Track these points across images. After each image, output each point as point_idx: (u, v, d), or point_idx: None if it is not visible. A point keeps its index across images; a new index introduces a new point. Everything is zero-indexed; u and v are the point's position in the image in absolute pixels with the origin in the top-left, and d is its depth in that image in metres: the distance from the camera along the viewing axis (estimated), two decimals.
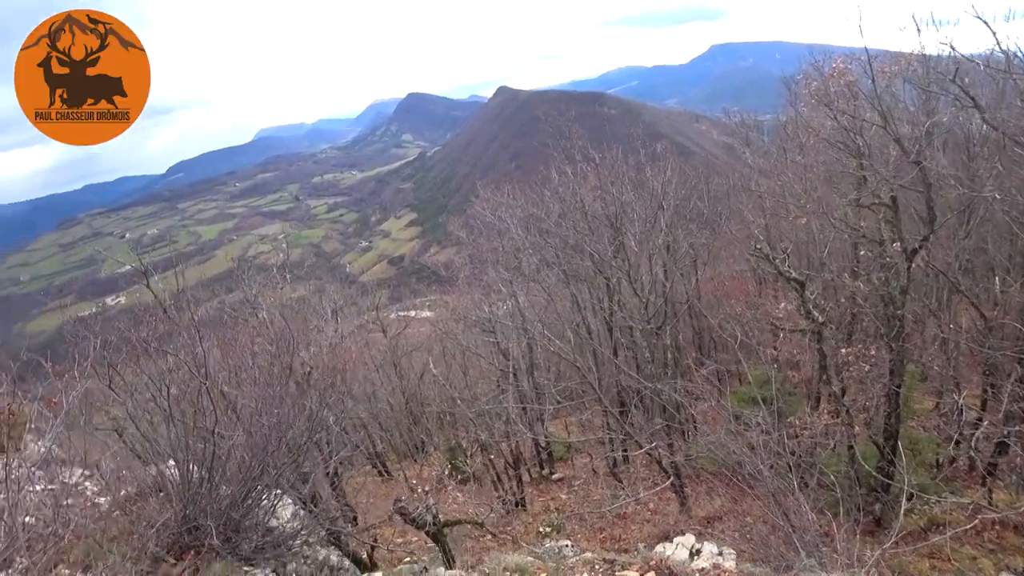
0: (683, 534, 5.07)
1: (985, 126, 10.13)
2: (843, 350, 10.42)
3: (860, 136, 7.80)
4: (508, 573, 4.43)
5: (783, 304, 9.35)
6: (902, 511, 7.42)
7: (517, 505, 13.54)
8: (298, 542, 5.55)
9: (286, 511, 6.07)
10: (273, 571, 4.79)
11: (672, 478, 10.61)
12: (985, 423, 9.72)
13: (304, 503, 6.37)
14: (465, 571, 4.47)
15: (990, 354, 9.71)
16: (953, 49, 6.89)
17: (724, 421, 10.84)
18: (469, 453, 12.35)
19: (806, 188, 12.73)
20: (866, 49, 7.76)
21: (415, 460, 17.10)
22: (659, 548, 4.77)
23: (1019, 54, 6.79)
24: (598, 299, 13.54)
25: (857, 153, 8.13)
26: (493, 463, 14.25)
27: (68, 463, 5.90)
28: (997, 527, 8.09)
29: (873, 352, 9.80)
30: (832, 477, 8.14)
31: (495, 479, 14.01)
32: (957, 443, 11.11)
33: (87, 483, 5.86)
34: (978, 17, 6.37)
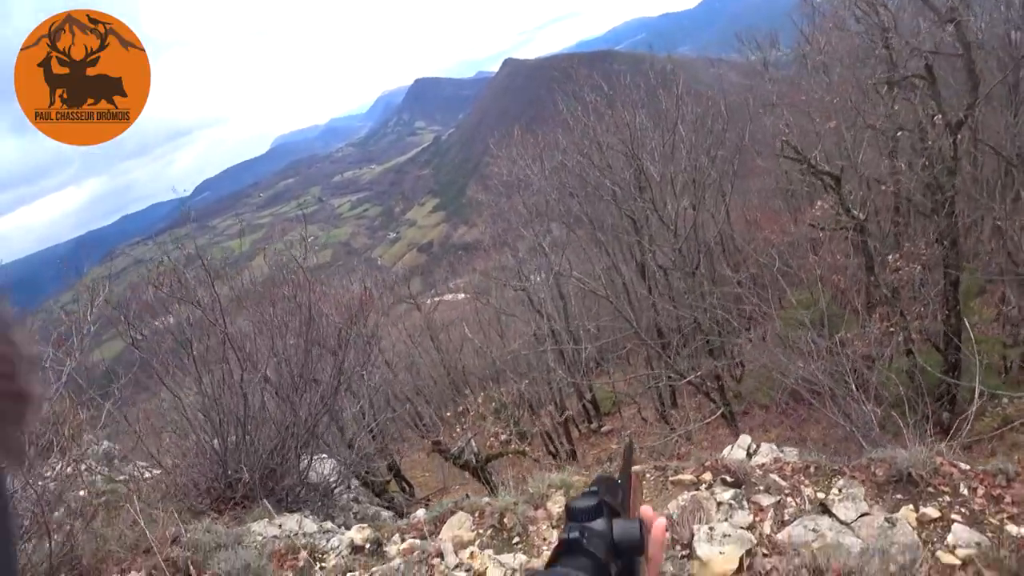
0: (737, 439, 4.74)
1: None
2: (890, 257, 9.78)
3: (884, 7, 7.11)
4: (553, 489, 4.24)
5: (819, 203, 8.73)
6: (974, 409, 6.94)
7: (569, 457, 13.43)
8: (338, 490, 5.52)
9: (325, 466, 6.05)
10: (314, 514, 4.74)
11: (723, 408, 10.24)
12: None
13: (342, 457, 6.34)
14: (508, 492, 4.29)
15: None
16: None
17: (772, 344, 10.41)
18: (516, 412, 12.23)
19: (832, 92, 11.94)
20: None
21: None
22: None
23: None
24: (626, 241, 13.07)
25: (882, 29, 7.43)
26: (541, 421, 14.14)
27: (127, 456, 6.07)
28: None
29: (924, 250, 9.15)
30: (892, 388, 7.70)
31: (544, 435, 13.90)
32: None
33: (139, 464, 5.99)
34: None
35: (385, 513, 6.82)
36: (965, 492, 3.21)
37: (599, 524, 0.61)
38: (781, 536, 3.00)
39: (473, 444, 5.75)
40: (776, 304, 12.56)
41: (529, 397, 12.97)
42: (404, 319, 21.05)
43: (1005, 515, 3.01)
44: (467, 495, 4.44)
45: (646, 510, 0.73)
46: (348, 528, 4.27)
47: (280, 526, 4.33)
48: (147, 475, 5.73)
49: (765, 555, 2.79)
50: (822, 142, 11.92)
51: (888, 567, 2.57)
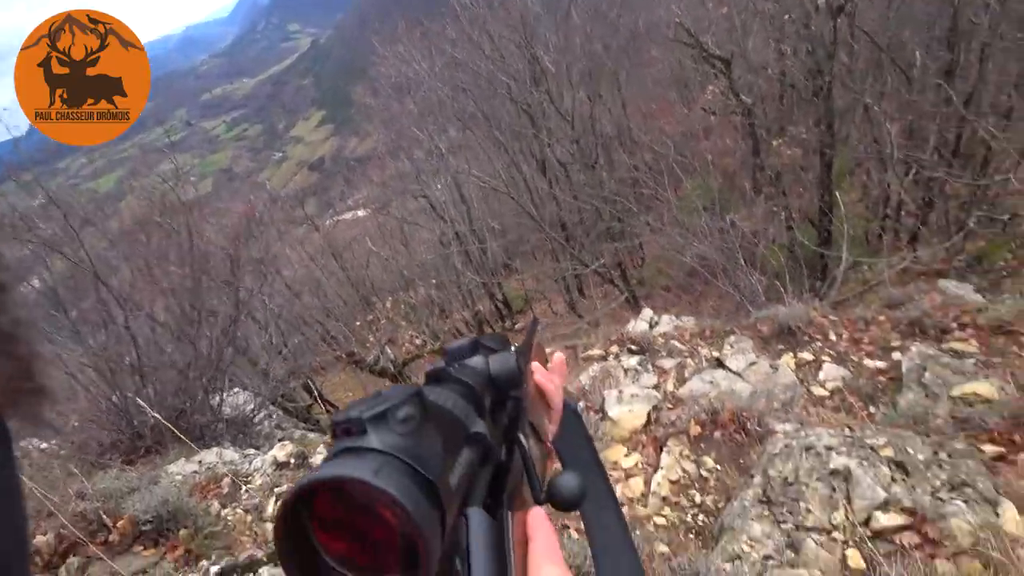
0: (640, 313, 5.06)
1: None
2: (775, 142, 10.40)
3: None
4: None
5: (711, 87, 8.98)
6: (840, 275, 7.84)
7: None
8: (258, 418, 5.37)
9: (239, 398, 5.83)
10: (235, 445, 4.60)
11: (627, 293, 10.87)
12: (907, 191, 10.12)
13: (256, 387, 6.14)
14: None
15: (911, 120, 9.84)
16: None
17: (670, 227, 11.01)
18: (427, 314, 12.27)
19: None
20: None
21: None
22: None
23: None
24: (525, 136, 12.85)
25: None
26: (452, 320, 14.37)
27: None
28: (924, 277, 8.76)
29: (804, 134, 9.79)
30: (776, 261, 8.48)
31: (457, 336, 14.19)
32: (886, 216, 11.70)
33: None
34: None
35: (312, 435, 6.80)
36: (833, 338, 3.66)
37: (474, 360, 0.55)
38: (683, 391, 3.30)
39: (388, 351, 5.71)
40: (672, 191, 13.16)
41: (440, 301, 13.01)
42: (304, 242, 20.03)
43: (864, 353, 3.49)
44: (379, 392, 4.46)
45: (539, 366, 0.70)
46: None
47: (200, 461, 4.17)
48: (42, 446, 5.26)
49: (669, 408, 3.06)
50: (714, 28, 12.05)
51: (773, 403, 2.92)
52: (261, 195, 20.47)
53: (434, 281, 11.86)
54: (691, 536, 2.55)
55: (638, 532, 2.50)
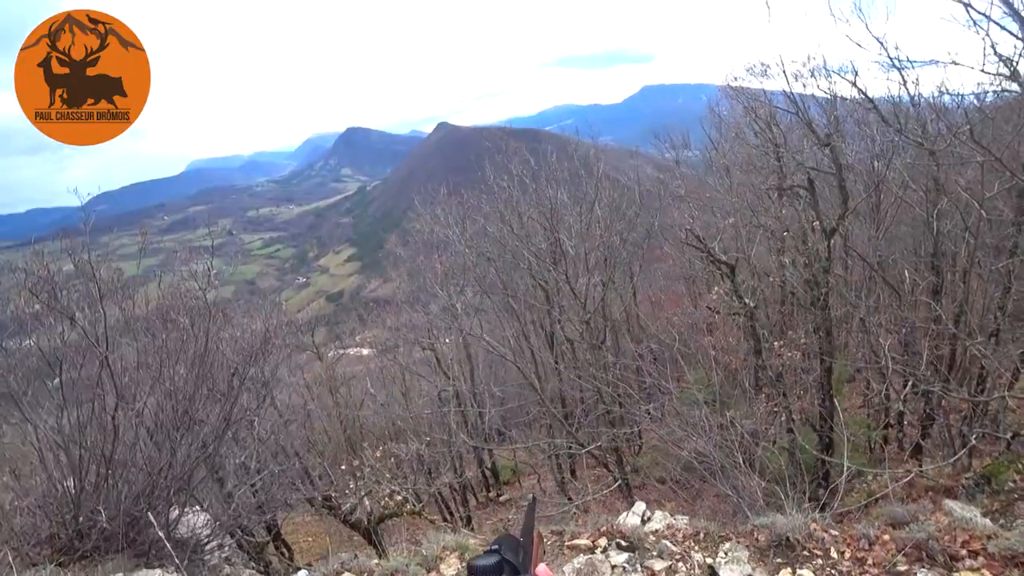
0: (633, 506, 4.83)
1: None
2: (776, 343, 10.74)
3: (776, 126, 8.21)
4: (447, 551, 4.07)
5: (716, 288, 9.55)
6: (843, 483, 7.57)
7: (465, 524, 12.94)
8: (210, 546, 4.95)
9: (197, 519, 5.44)
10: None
11: (620, 480, 10.43)
12: (907, 403, 10.20)
13: (217, 512, 5.74)
14: (400, 555, 4.07)
15: (906, 334, 10.27)
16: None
17: (670, 418, 10.89)
18: (414, 471, 11.73)
19: (731, 193, 13.36)
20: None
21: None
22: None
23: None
24: (538, 310, 13.43)
25: (774, 144, 8.55)
26: (439, 483, 13.63)
27: None
28: (930, 493, 8.40)
29: (804, 339, 10.15)
30: (775, 464, 8.26)
31: (440, 501, 13.38)
32: (887, 425, 11.60)
33: None
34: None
35: None
36: (835, 555, 3.47)
37: None
38: None
39: (366, 502, 5.41)
40: (675, 381, 13.26)
41: (428, 459, 12.53)
42: (305, 369, 19.95)
43: (868, 575, 3.28)
44: (355, 555, 4.15)
45: (543, 569, 0.75)
46: None
47: None
48: None
49: None
50: (721, 235, 13.17)
51: None
52: (277, 315, 20.92)
53: (427, 439, 11.57)
54: None
55: None
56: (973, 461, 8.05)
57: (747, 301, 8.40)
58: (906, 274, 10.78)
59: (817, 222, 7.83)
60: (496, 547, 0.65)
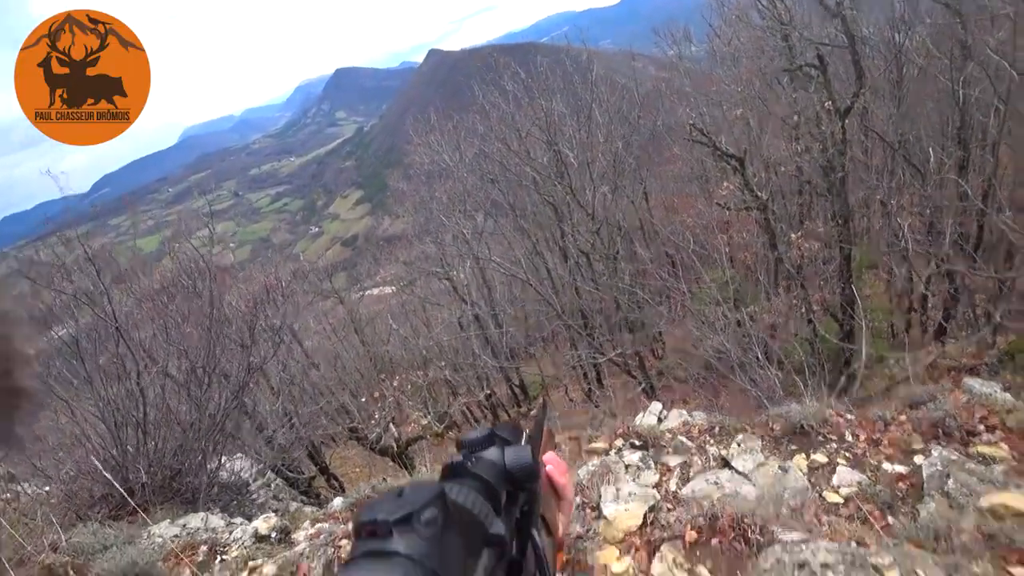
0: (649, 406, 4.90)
1: None
2: (792, 235, 10.48)
3: (782, 1, 7.55)
4: None
5: (726, 184, 9.21)
6: (861, 367, 7.57)
7: None
8: (255, 486, 5.24)
9: (237, 464, 5.72)
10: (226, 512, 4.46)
11: (644, 384, 10.62)
12: (930, 284, 9.99)
13: (258, 454, 6.03)
14: (428, 474, 4.22)
15: (930, 214, 9.91)
16: None
17: (688, 319, 10.92)
18: (436, 394, 12.10)
19: (738, 82, 12.61)
20: None
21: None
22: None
23: None
24: (548, 226, 13.23)
25: (781, 22, 7.90)
26: (468, 407, 14.12)
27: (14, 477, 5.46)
28: (952, 373, 8.39)
29: (821, 228, 9.87)
30: (795, 355, 8.27)
31: (472, 420, 13.90)
32: (911, 309, 11.47)
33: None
34: None
35: (308, 509, 6.57)
36: (850, 438, 3.47)
37: (490, 453, 0.55)
38: (685, 491, 3.12)
39: (393, 429, 5.60)
40: (692, 282, 13.19)
41: (453, 381, 12.88)
42: (329, 315, 20.36)
43: (883, 456, 3.28)
44: (384, 479, 4.33)
45: (551, 456, 0.70)
46: None
47: (184, 525, 4.05)
48: (38, 492, 5.21)
49: (669, 509, 2.88)
50: (732, 128, 12.59)
51: (780, 509, 2.73)
52: (289, 266, 21.14)
53: (443, 364, 11.83)
54: None
55: None
56: (998, 339, 7.94)
57: (759, 194, 8.09)
58: (930, 152, 10.24)
59: (830, 102, 7.33)
60: (492, 428, 0.60)
